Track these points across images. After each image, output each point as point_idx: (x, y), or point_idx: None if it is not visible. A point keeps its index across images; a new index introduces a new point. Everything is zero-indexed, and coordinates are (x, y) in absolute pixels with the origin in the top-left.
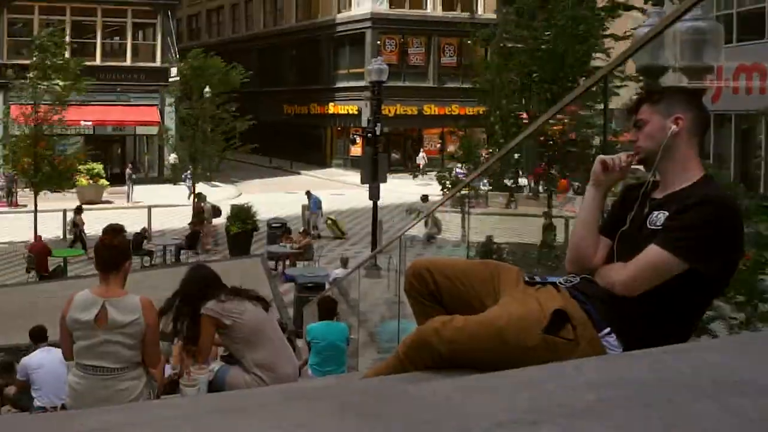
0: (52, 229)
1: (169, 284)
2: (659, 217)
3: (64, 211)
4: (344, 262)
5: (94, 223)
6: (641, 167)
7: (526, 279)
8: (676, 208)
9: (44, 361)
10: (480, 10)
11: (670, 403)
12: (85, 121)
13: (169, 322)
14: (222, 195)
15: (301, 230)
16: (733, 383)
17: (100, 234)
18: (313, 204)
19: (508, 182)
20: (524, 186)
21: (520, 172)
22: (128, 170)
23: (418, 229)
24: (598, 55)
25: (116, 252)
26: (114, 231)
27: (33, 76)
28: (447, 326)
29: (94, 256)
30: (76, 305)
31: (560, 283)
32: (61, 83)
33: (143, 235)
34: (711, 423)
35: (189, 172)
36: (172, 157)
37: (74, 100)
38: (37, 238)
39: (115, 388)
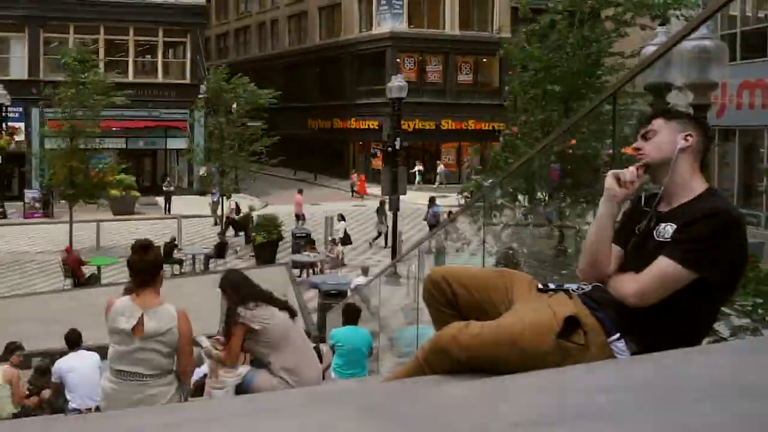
0: (86, 238)
1: (199, 291)
2: (666, 229)
3: (98, 222)
4: (365, 271)
5: (127, 233)
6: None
7: (539, 287)
8: (683, 220)
9: (77, 364)
10: (495, 30)
11: (677, 405)
12: (116, 128)
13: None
14: (248, 206)
15: (330, 239)
16: (736, 386)
17: (131, 249)
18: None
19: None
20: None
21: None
22: (165, 184)
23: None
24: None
25: (149, 266)
26: (143, 248)
27: (64, 93)
28: (464, 332)
29: (128, 271)
30: (116, 312)
31: (572, 290)
32: (95, 97)
33: (173, 244)
34: (715, 424)
35: (217, 188)
36: (202, 169)
37: (107, 116)
38: (68, 248)
39: (147, 393)
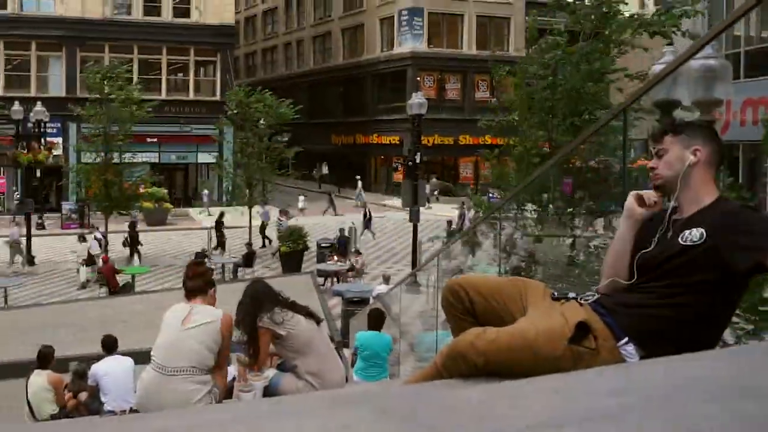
0: (120, 248)
1: (228, 299)
2: (693, 233)
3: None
4: (386, 279)
5: (160, 243)
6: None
7: (553, 295)
8: (711, 222)
9: (111, 368)
10: (511, 49)
11: (683, 407)
12: (150, 138)
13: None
14: (274, 218)
15: (353, 250)
16: (740, 389)
17: (187, 266)
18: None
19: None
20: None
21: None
22: (204, 195)
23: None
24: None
25: (200, 280)
26: (197, 263)
27: (94, 109)
28: (480, 338)
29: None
30: (172, 309)
31: (584, 299)
32: (122, 112)
33: (203, 254)
34: (719, 425)
35: (206, 192)
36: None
37: (139, 131)
38: (104, 258)
39: (181, 388)
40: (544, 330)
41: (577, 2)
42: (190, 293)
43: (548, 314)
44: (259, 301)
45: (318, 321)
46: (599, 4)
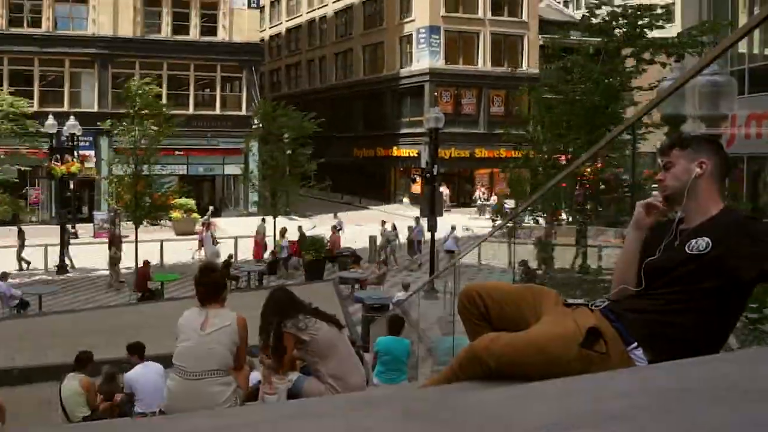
0: (149, 257)
1: (253, 305)
2: (699, 243)
3: (161, 241)
4: (405, 287)
5: (188, 252)
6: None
7: (565, 302)
8: (716, 231)
9: (143, 374)
10: (525, 66)
11: (690, 409)
12: (178, 151)
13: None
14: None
15: (377, 260)
16: (745, 391)
17: (199, 270)
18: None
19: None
20: (563, 220)
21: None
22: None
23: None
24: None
25: (212, 286)
26: (208, 269)
27: (126, 124)
28: (495, 343)
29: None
30: (187, 315)
31: (595, 305)
32: (154, 127)
33: (229, 262)
34: (726, 427)
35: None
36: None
37: (168, 144)
38: (145, 263)
39: (207, 390)
40: (556, 335)
41: (606, 21)
42: (204, 298)
43: (560, 320)
44: (283, 308)
45: (340, 327)
46: (633, 25)
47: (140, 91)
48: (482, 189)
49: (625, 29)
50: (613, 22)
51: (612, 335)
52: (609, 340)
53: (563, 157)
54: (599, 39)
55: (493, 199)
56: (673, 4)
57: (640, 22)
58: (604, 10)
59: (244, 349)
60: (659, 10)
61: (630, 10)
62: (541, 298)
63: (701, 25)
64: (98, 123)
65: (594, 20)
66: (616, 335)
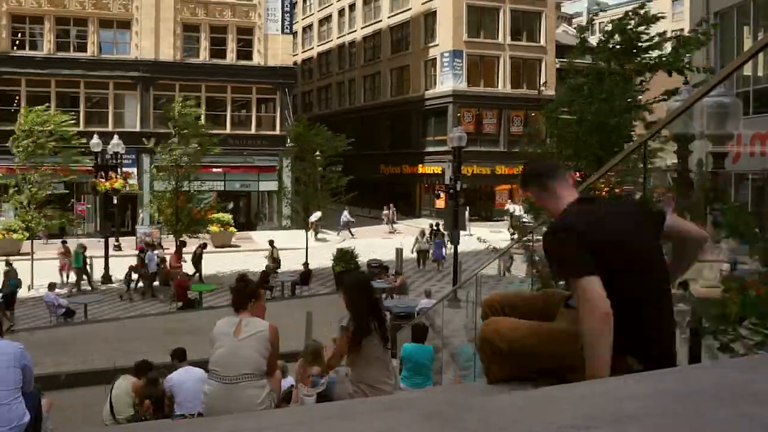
0: (189, 268)
1: (286, 314)
2: None
3: (201, 254)
4: (428, 294)
5: (225, 263)
6: None
7: (567, 303)
8: None
9: (184, 378)
10: (542, 87)
11: (697, 411)
12: (216, 168)
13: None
14: (329, 240)
15: (393, 272)
16: (749, 395)
17: (236, 281)
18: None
19: None
20: None
21: None
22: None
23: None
24: (637, 123)
25: (244, 295)
26: (241, 280)
27: (168, 144)
28: (502, 324)
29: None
30: (221, 323)
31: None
32: (194, 145)
33: (267, 273)
34: (730, 427)
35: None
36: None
37: (207, 162)
38: (185, 273)
39: (243, 393)
40: (556, 329)
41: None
42: (238, 307)
43: (563, 319)
44: (359, 299)
45: (386, 342)
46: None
47: (182, 113)
48: (515, 203)
49: (623, 45)
50: (610, 40)
51: None
52: None
53: (578, 174)
54: (604, 60)
55: (513, 207)
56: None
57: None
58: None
59: (275, 355)
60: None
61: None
62: (552, 301)
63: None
64: (143, 139)
65: (590, 42)
66: None
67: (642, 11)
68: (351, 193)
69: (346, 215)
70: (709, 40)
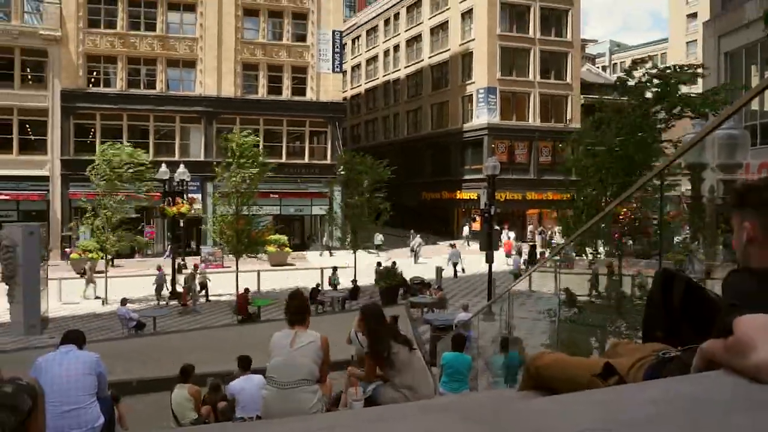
0: (248, 284)
1: (336, 327)
2: None
3: (258, 271)
4: (465, 307)
5: (281, 280)
6: None
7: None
8: None
9: (244, 385)
10: (568, 121)
11: (717, 417)
12: (273, 194)
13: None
14: (375, 259)
15: (434, 287)
16: (764, 401)
17: (288, 296)
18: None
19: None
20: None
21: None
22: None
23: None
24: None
25: (299, 310)
26: (295, 296)
27: (229, 172)
28: (538, 360)
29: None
30: (278, 335)
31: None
32: (252, 171)
33: (317, 289)
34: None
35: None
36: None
37: (265, 188)
38: (245, 290)
39: (297, 397)
40: (582, 363)
41: (642, 83)
42: (292, 321)
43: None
44: (372, 324)
45: (411, 347)
46: (666, 83)
47: (239, 143)
48: (548, 227)
49: (658, 89)
50: (648, 83)
51: (632, 377)
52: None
53: (604, 201)
54: (630, 98)
55: (543, 230)
56: (702, 65)
57: (672, 80)
58: (639, 72)
59: (327, 363)
60: (688, 70)
61: (665, 71)
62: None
63: (722, 88)
64: (207, 169)
65: (630, 82)
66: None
67: (683, 67)
68: (387, 214)
69: (418, 239)
70: (728, 103)
